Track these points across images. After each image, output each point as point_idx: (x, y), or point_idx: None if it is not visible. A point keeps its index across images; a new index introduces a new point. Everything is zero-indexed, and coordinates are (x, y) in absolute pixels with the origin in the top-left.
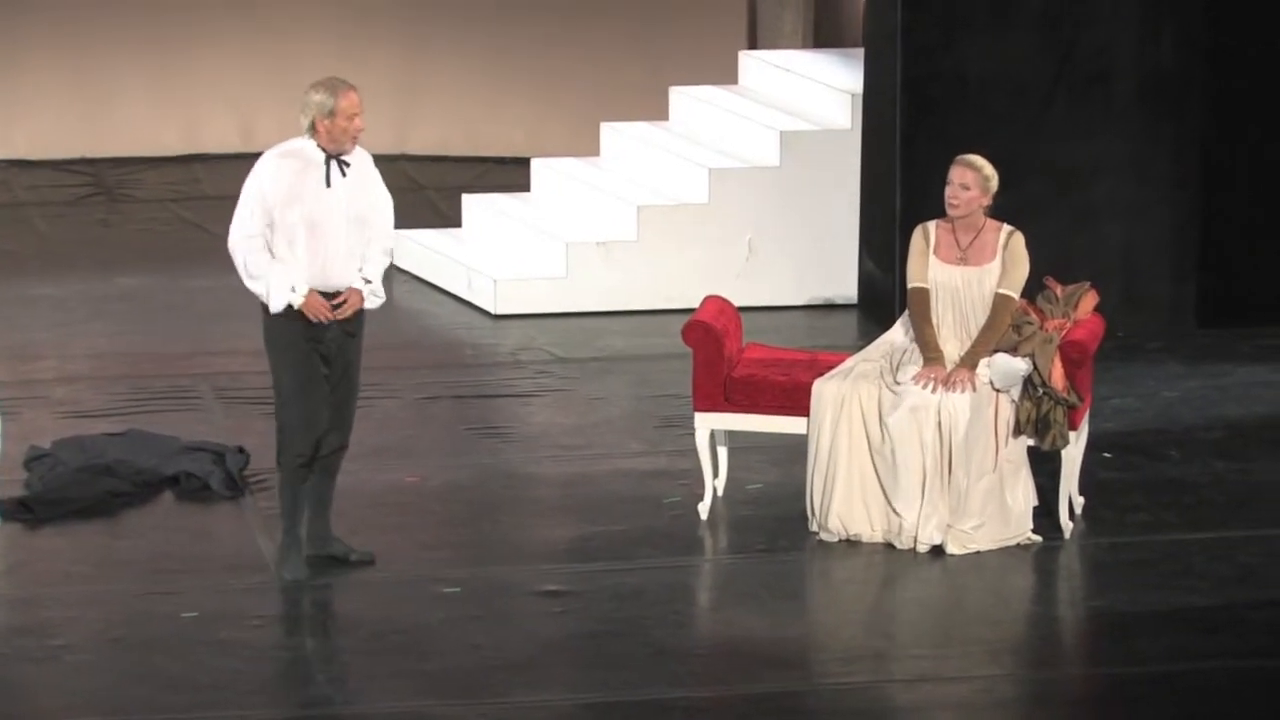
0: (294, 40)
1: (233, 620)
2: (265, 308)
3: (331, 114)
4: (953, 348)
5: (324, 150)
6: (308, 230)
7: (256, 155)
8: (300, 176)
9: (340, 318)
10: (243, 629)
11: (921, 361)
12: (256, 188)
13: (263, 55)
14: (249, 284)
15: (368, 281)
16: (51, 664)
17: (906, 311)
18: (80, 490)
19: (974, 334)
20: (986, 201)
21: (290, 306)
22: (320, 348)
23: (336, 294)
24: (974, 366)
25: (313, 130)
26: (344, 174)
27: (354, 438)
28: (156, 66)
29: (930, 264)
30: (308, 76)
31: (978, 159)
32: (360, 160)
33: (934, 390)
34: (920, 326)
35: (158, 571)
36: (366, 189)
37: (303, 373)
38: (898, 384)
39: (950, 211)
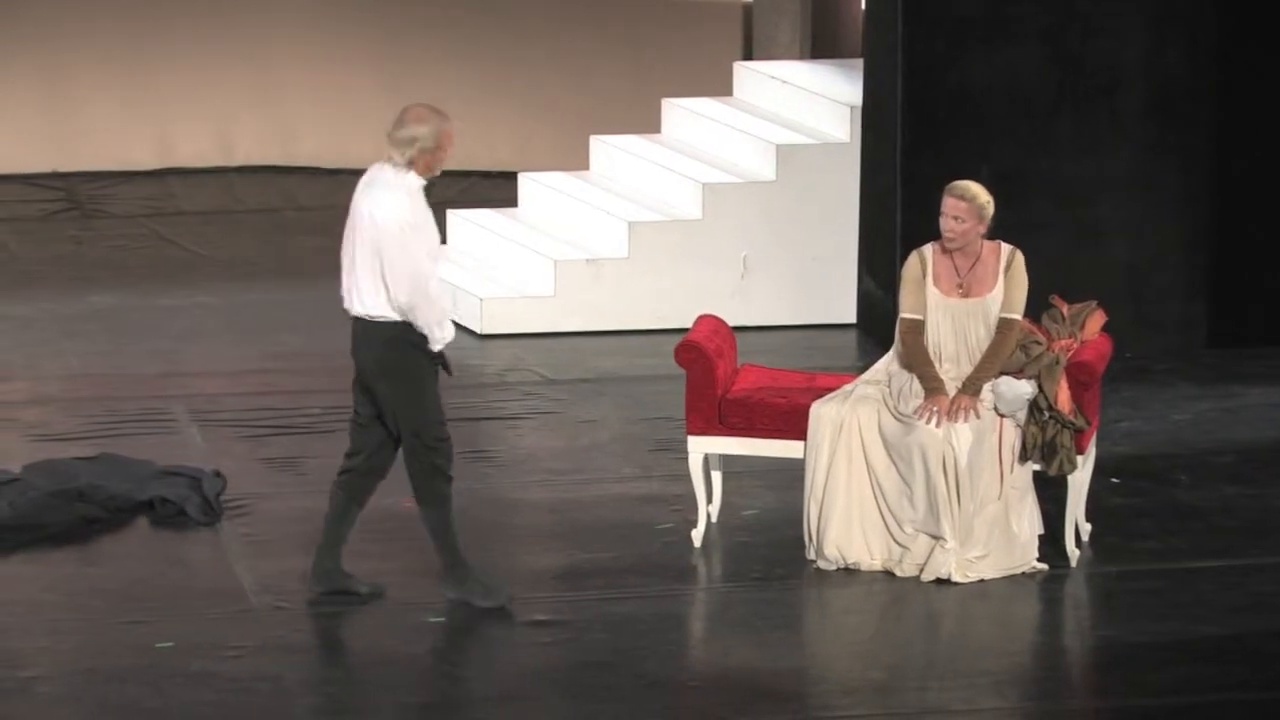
0: (272, 51)
1: (209, 651)
2: (404, 338)
3: (440, 147)
4: (956, 374)
5: (423, 180)
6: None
7: (234, 170)
8: (427, 211)
9: None
10: (220, 660)
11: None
12: (422, 223)
13: (240, 66)
14: (437, 331)
15: None
16: (21, 696)
17: (897, 342)
18: (51, 516)
19: (977, 361)
20: (983, 229)
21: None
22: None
23: None
24: (977, 393)
25: (411, 163)
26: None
27: (336, 459)
28: (129, 78)
29: (929, 295)
30: (287, 87)
31: (971, 186)
32: None
33: (938, 424)
34: (916, 358)
35: (132, 600)
36: None
37: (437, 388)
38: (902, 415)
39: (946, 244)
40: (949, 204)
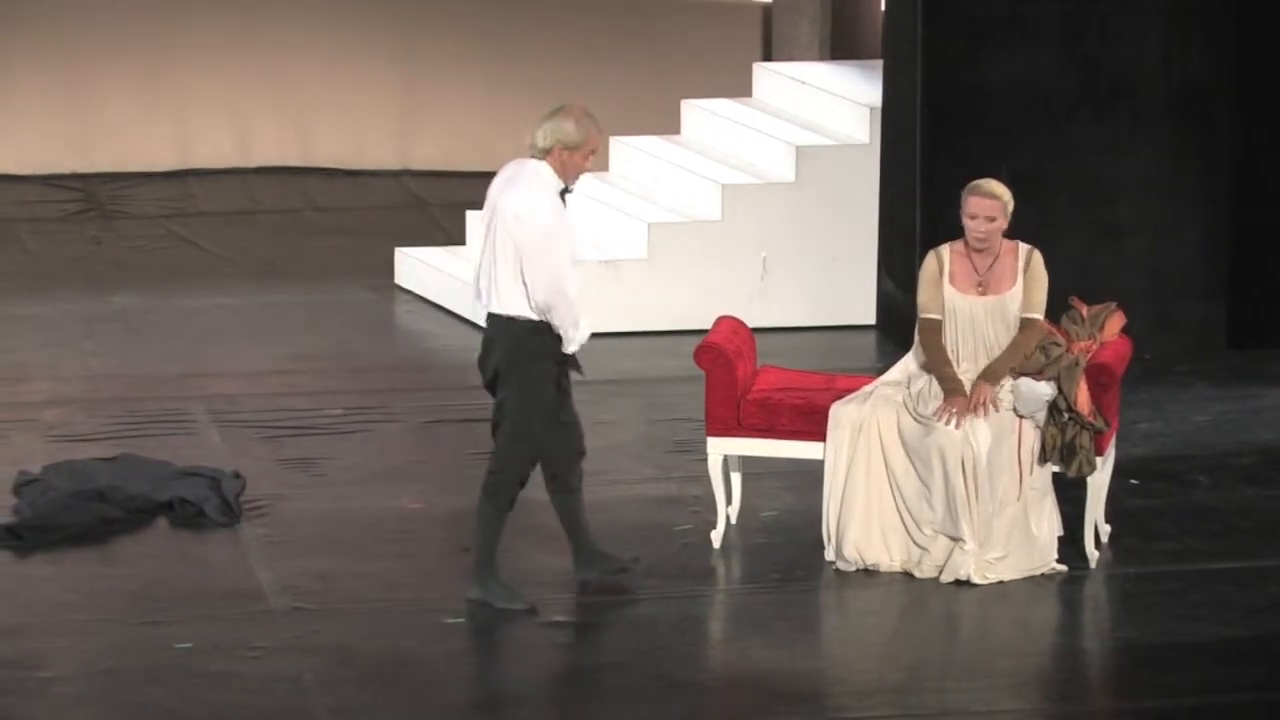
0: (290, 51)
1: (228, 651)
2: (540, 339)
3: (575, 148)
4: (974, 374)
5: (561, 183)
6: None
7: (252, 170)
8: (567, 212)
9: None
10: (239, 660)
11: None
12: (564, 224)
13: (258, 67)
14: (573, 331)
15: None
16: (40, 697)
17: (917, 342)
18: (71, 517)
19: None
20: (1006, 226)
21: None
22: (558, 373)
23: None
24: (996, 382)
25: (546, 152)
26: (565, 204)
27: (355, 460)
28: (148, 79)
29: (947, 295)
30: (306, 88)
31: (995, 185)
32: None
33: (957, 426)
34: (934, 358)
35: (151, 601)
36: None
37: (551, 398)
38: (922, 417)
39: (977, 245)
40: (979, 204)
